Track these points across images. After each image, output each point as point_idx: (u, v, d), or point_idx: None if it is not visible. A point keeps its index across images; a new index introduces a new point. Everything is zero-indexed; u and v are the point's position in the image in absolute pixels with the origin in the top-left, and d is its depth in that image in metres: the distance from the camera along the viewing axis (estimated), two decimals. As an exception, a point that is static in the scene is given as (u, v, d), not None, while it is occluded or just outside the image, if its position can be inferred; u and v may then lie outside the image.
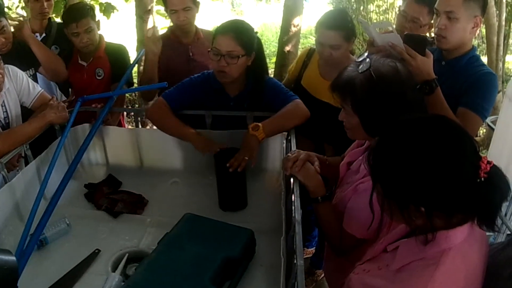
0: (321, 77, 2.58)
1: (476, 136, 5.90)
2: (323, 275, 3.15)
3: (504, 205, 2.80)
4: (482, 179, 1.04)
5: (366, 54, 1.55)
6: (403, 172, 1.08)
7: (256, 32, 2.24)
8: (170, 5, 2.72)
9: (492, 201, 1.06)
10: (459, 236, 1.11)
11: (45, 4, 3.17)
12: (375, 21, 8.78)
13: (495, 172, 1.06)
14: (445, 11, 2.05)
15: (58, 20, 3.54)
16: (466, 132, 1.12)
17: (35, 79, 2.87)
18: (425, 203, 1.07)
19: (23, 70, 2.56)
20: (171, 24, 2.94)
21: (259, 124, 2.06)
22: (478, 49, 8.85)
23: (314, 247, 3.33)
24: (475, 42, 9.23)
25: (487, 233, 1.22)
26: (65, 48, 3.33)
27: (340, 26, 2.38)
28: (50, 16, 3.40)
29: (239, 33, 2.11)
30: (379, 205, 1.18)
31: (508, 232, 2.44)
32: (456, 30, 2.05)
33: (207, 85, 2.28)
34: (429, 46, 2.19)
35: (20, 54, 2.77)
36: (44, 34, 3.27)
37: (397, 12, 2.99)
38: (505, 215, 2.71)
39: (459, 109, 2.06)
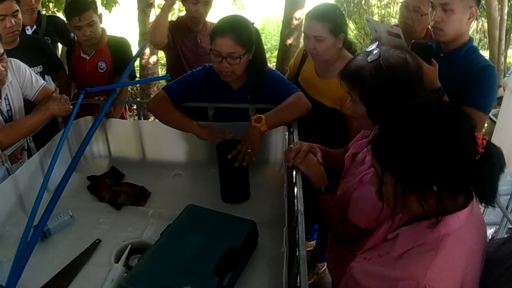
0: (317, 76, 2.54)
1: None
2: (324, 268, 3.16)
3: (506, 199, 2.81)
4: (480, 154, 1.08)
5: (375, 45, 1.55)
6: (411, 154, 1.09)
7: (253, 23, 2.21)
8: None
9: (491, 173, 1.09)
10: (458, 221, 1.13)
11: (33, 0, 3.21)
12: (376, 14, 8.79)
13: (490, 146, 1.10)
14: (440, 3, 2.06)
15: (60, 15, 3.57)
16: (464, 112, 1.14)
17: (43, 76, 2.88)
18: (436, 180, 1.09)
19: (31, 67, 2.56)
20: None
21: (262, 116, 2.05)
22: (480, 43, 8.85)
23: (315, 241, 3.34)
24: (477, 36, 9.21)
25: (487, 226, 1.23)
26: (55, 39, 3.39)
27: (326, 17, 2.31)
28: (39, 9, 3.47)
29: (238, 33, 2.08)
30: (389, 194, 1.18)
31: (510, 226, 2.44)
32: (452, 22, 2.06)
33: (209, 79, 2.28)
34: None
35: (28, 51, 2.78)
36: (35, 27, 3.31)
37: (400, 5, 3.02)
38: (507, 208, 2.72)
39: (464, 109, 2.07)
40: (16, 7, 2.59)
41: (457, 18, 2.06)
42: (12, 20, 2.57)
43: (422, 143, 1.08)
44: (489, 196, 1.13)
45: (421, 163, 1.09)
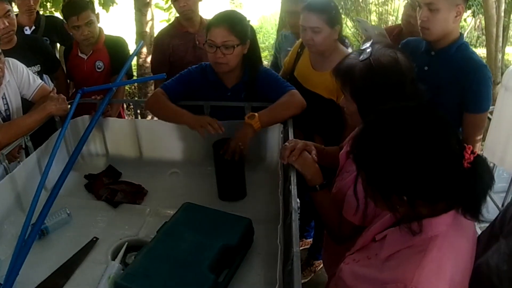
0: (313, 68, 2.59)
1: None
2: (321, 265, 3.17)
3: (501, 196, 2.82)
4: (466, 168, 1.06)
5: (368, 44, 1.56)
6: (385, 161, 1.09)
7: (249, 21, 2.25)
8: None
9: (475, 190, 1.08)
10: (444, 223, 1.13)
11: (31, 1, 3.22)
12: (374, 12, 8.80)
13: (479, 162, 1.08)
14: (426, 3, 2.09)
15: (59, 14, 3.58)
16: (449, 122, 1.13)
17: (41, 76, 2.89)
18: (407, 192, 1.09)
19: (29, 66, 2.57)
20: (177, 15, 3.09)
21: (255, 113, 2.07)
22: (478, 41, 8.84)
23: (313, 238, 3.35)
24: (475, 33, 9.21)
25: (483, 224, 1.23)
26: (54, 39, 3.39)
27: (321, 9, 2.38)
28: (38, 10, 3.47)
29: (232, 23, 2.12)
30: (363, 192, 1.20)
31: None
32: (438, 21, 2.08)
33: (203, 76, 2.30)
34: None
35: (26, 50, 2.79)
36: (33, 27, 3.31)
37: (404, 1, 3.04)
38: (502, 205, 2.73)
39: (467, 115, 2.16)
40: (8, 7, 2.60)
41: (443, 17, 2.08)
42: (5, 21, 2.58)
43: (396, 153, 1.08)
44: (472, 212, 1.12)
45: (392, 174, 1.09)
